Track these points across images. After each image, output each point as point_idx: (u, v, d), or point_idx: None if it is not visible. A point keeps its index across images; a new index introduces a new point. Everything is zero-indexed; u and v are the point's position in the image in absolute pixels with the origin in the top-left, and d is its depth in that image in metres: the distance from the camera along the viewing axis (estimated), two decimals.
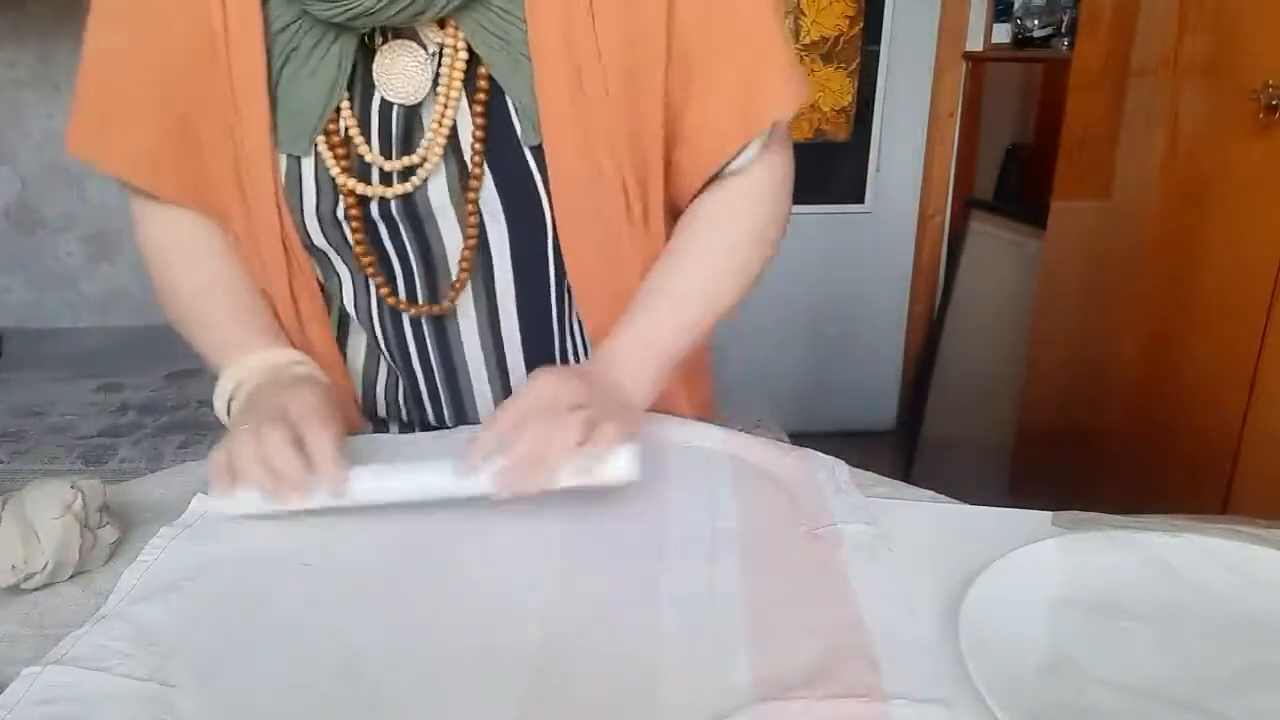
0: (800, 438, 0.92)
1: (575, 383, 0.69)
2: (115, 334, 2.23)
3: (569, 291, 0.83)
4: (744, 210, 0.80)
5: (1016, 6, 2.36)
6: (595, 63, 0.71)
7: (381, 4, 0.66)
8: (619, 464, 0.64)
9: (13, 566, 0.59)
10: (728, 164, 0.78)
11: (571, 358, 0.86)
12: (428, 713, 0.50)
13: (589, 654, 0.54)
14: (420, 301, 0.81)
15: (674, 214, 0.82)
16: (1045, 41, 2.27)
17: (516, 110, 0.73)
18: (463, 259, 0.78)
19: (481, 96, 0.72)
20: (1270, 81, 1.21)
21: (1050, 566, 0.60)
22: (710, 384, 0.97)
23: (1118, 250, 1.60)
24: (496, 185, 0.75)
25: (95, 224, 2.30)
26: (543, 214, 0.77)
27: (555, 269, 0.81)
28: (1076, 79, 1.72)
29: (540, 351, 0.85)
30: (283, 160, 0.74)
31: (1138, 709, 0.49)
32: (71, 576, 0.61)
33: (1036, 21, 2.29)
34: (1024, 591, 0.57)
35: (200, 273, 0.81)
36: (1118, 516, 0.66)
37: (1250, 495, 1.27)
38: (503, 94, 0.72)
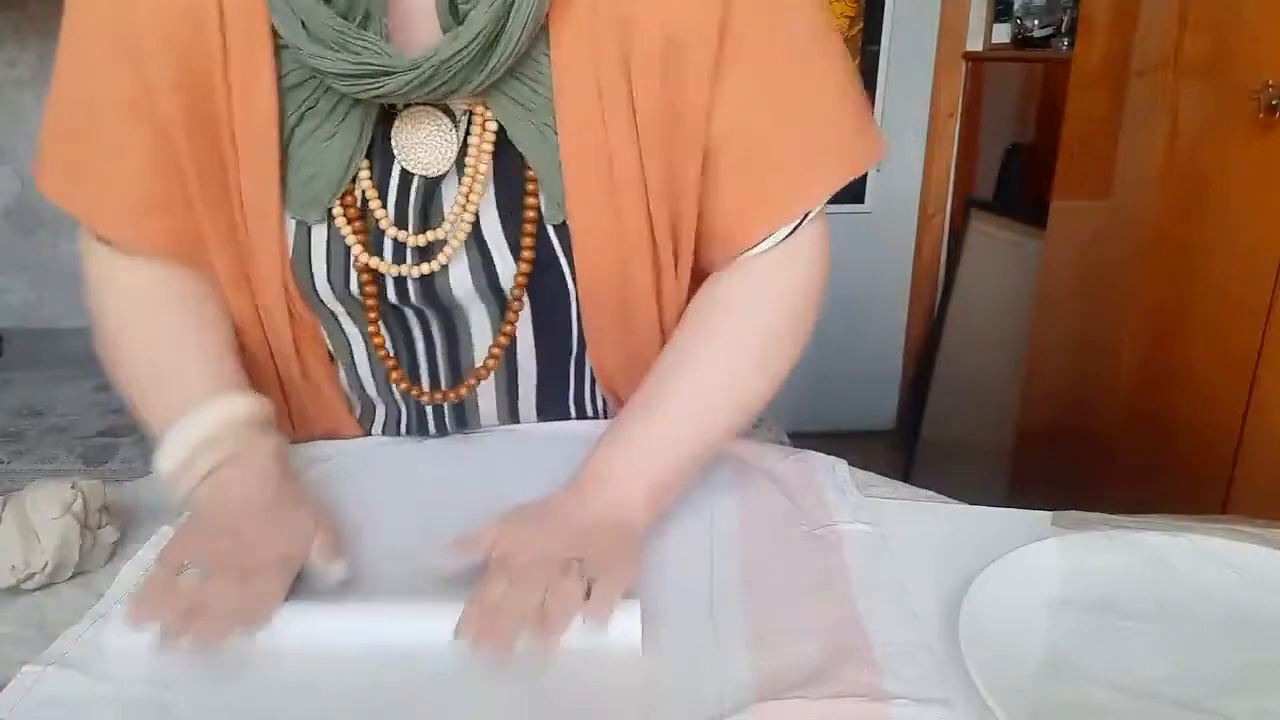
0: (800, 438, 0.92)
1: (563, 530, 0.60)
2: None
3: (586, 366, 0.79)
4: (778, 290, 0.72)
5: (1016, 6, 2.36)
6: (628, 136, 0.65)
7: (410, 87, 0.60)
8: (621, 630, 0.54)
9: (13, 566, 0.59)
10: (750, 248, 0.71)
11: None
12: (427, 712, 0.50)
13: (589, 653, 0.54)
14: (432, 386, 0.76)
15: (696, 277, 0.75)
16: (1045, 41, 2.27)
17: (541, 185, 0.67)
18: (496, 345, 0.73)
19: (532, 184, 0.66)
20: (1270, 81, 1.21)
21: (1050, 566, 0.60)
22: None
23: (1118, 250, 1.60)
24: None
25: None
26: (567, 292, 0.72)
27: (577, 347, 0.77)
28: (1076, 79, 1.72)
29: (557, 412, 0.82)
30: (290, 224, 0.69)
31: (1137, 708, 0.49)
32: (71, 577, 0.61)
33: (1036, 21, 2.29)
34: (1024, 591, 0.57)
35: (160, 323, 0.71)
36: (1118, 516, 0.66)
37: (1250, 495, 1.27)
38: (526, 173, 0.67)
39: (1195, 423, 1.38)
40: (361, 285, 0.70)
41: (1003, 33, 2.43)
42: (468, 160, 0.66)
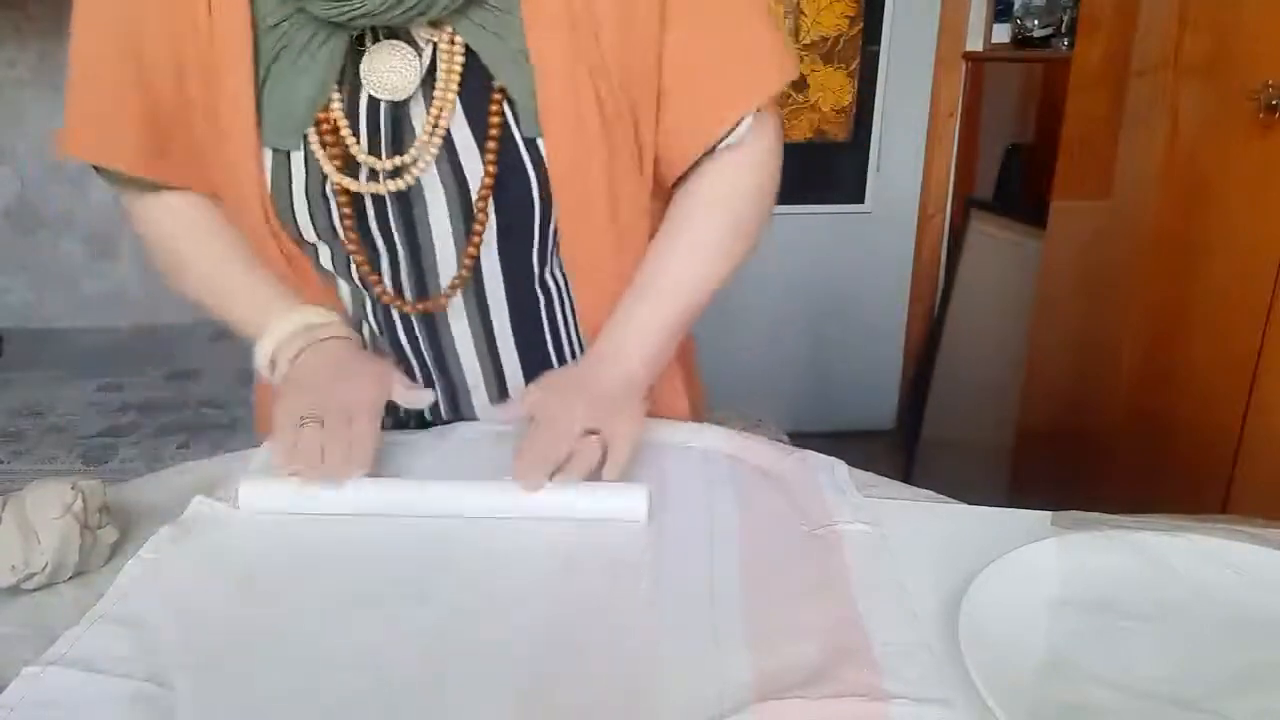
0: (800, 438, 0.92)
1: (582, 401, 0.73)
2: (115, 334, 2.23)
3: (557, 282, 0.83)
4: (738, 189, 0.82)
5: (1016, 6, 2.36)
6: (595, 59, 0.72)
7: (385, 5, 0.67)
8: (631, 504, 0.68)
9: (13, 567, 0.59)
10: (721, 140, 0.79)
11: (567, 350, 0.87)
12: (427, 712, 0.50)
13: (588, 653, 0.54)
14: (411, 298, 0.81)
15: (663, 187, 0.83)
16: (1045, 41, 2.27)
17: (512, 105, 0.73)
18: (466, 256, 0.78)
19: (497, 97, 0.73)
20: (1270, 81, 1.21)
21: (1050, 566, 0.60)
22: (699, 384, 0.98)
23: (1118, 250, 1.60)
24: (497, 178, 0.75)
25: (95, 224, 2.30)
26: (532, 205, 0.77)
27: (539, 260, 0.81)
28: (1076, 79, 1.72)
29: (533, 343, 0.85)
30: (269, 156, 0.75)
31: (1137, 709, 0.49)
32: (71, 577, 0.61)
33: (1036, 21, 2.29)
34: (1024, 591, 0.57)
35: (210, 248, 0.83)
36: (1118, 516, 0.66)
37: (1250, 495, 1.27)
38: (491, 91, 0.73)
39: (1195, 423, 1.38)
40: (339, 205, 0.76)
41: (1003, 33, 2.43)
42: (436, 84, 0.72)
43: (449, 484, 0.70)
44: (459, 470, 0.76)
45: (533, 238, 0.79)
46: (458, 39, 0.72)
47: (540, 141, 0.74)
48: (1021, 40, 2.34)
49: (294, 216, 0.77)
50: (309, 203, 0.76)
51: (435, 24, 0.71)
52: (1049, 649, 0.53)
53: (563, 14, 0.71)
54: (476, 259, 0.79)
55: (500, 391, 0.86)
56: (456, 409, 0.88)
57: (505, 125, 0.74)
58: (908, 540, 0.65)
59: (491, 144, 0.74)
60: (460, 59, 0.72)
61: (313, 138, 0.73)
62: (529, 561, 0.63)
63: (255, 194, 0.75)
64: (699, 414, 0.94)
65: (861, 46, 2.50)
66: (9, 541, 0.59)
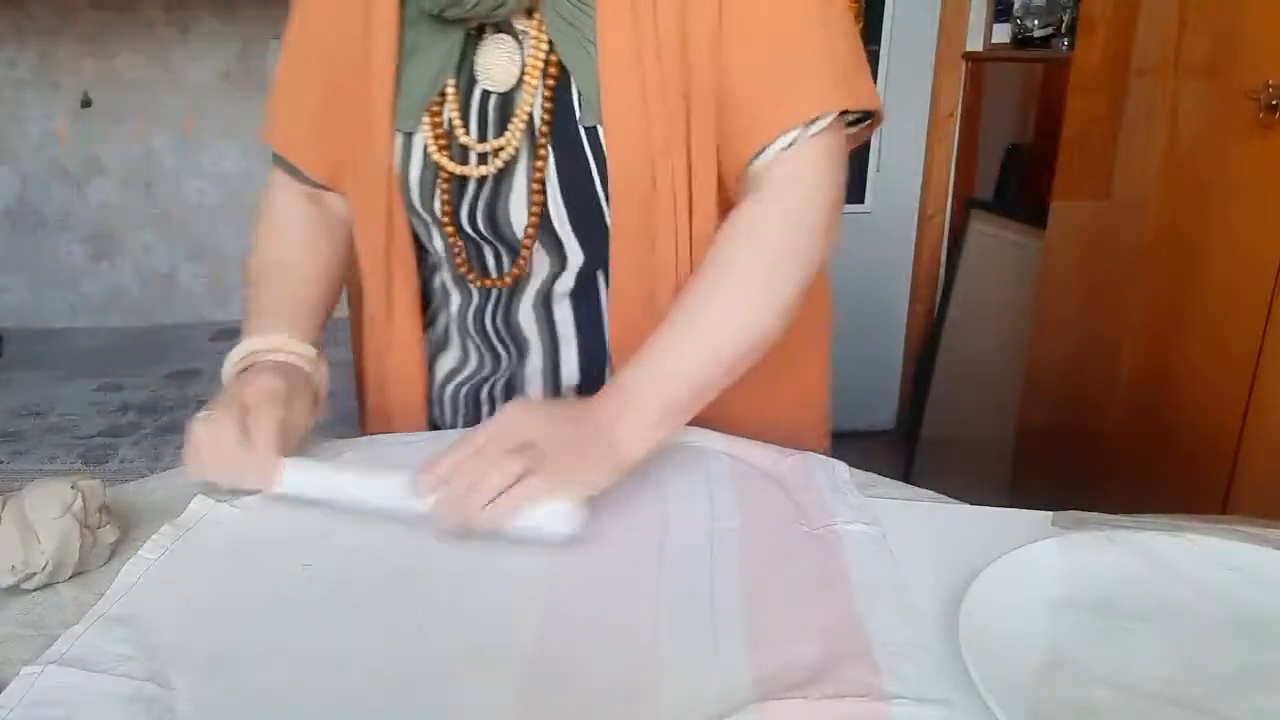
0: None
1: (537, 420, 0.68)
2: (115, 334, 2.23)
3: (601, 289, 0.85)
4: (774, 219, 0.76)
5: (1016, 6, 2.36)
6: (656, 53, 0.74)
7: (472, 2, 0.73)
8: (555, 517, 0.62)
9: (13, 567, 0.59)
10: (758, 155, 0.76)
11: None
12: (427, 712, 0.50)
13: (589, 653, 0.54)
14: (494, 276, 0.85)
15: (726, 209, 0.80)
16: (1045, 41, 2.27)
17: (579, 93, 0.77)
18: (526, 235, 0.81)
19: (550, 82, 0.77)
20: (1270, 81, 1.21)
21: (1050, 566, 0.60)
22: (825, 402, 0.98)
23: (1118, 250, 1.60)
24: (556, 164, 0.78)
25: (95, 224, 2.30)
26: (594, 194, 0.79)
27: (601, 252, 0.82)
28: (1076, 79, 1.72)
29: (592, 338, 0.86)
30: (399, 137, 0.81)
31: (1137, 708, 0.49)
32: (71, 577, 0.61)
33: (1036, 21, 2.29)
34: (1024, 591, 0.57)
35: (273, 251, 0.89)
36: (1118, 516, 0.66)
37: (1250, 495, 1.27)
38: (569, 78, 0.77)
39: (1195, 423, 1.38)
40: (440, 184, 0.81)
41: (1003, 33, 2.43)
42: (525, 74, 0.78)
43: (374, 475, 0.69)
44: None
45: (598, 228, 0.81)
46: (544, 29, 0.76)
47: (600, 130, 0.76)
48: (1021, 40, 2.34)
49: (409, 191, 0.83)
50: (421, 180, 0.82)
51: (530, 14, 0.77)
52: (1049, 649, 0.53)
53: (627, 3, 0.74)
54: (537, 233, 0.81)
55: (555, 387, 0.88)
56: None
57: (559, 112, 0.77)
58: (908, 540, 0.65)
59: (544, 128, 0.77)
60: (544, 48, 0.77)
61: (426, 124, 0.80)
62: (528, 561, 0.63)
63: (384, 173, 0.82)
64: (821, 431, 0.96)
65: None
66: (9, 541, 0.59)
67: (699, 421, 0.76)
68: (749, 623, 0.56)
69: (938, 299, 2.66)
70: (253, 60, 2.18)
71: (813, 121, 0.75)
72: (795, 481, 0.73)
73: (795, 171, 0.76)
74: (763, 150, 0.76)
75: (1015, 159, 2.31)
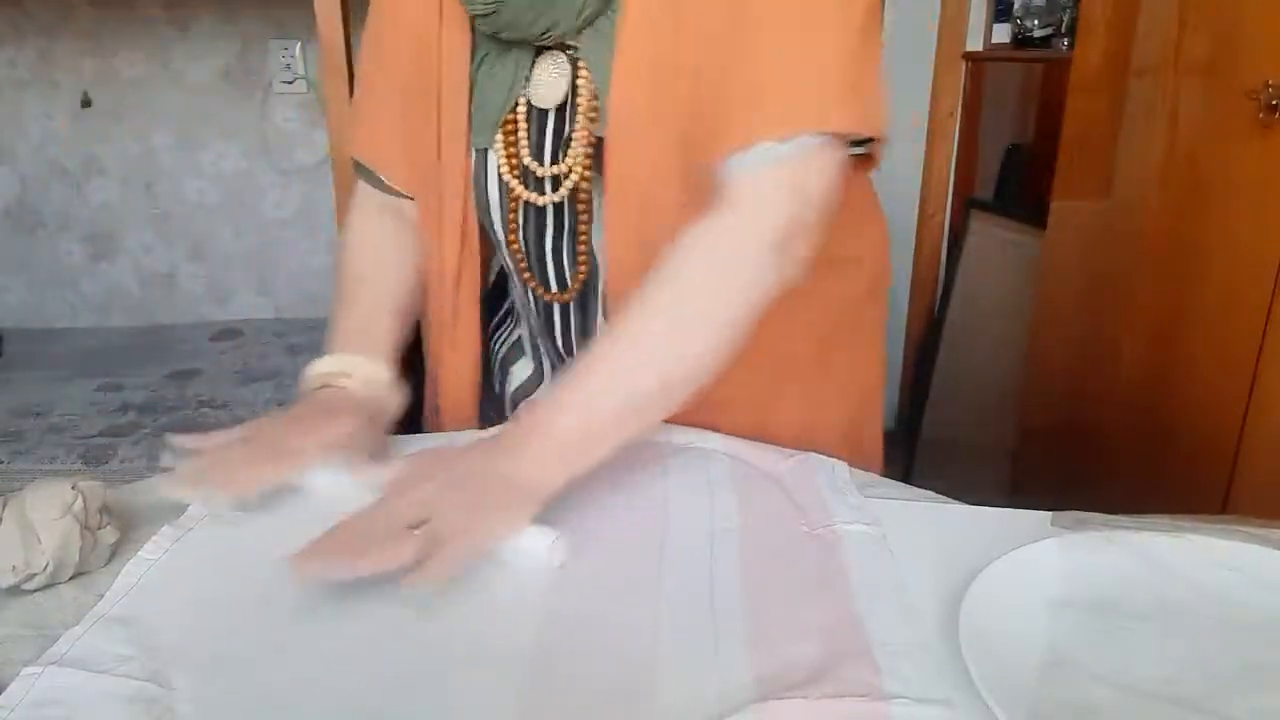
0: None
1: (446, 481, 0.64)
2: (115, 334, 2.23)
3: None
4: (730, 237, 0.71)
5: (1016, 6, 2.36)
6: (671, 66, 0.73)
7: (519, 21, 0.73)
8: (531, 555, 0.62)
9: (13, 567, 0.59)
10: (736, 160, 0.71)
11: None
12: (427, 712, 0.50)
13: (589, 654, 0.54)
14: (556, 289, 0.85)
15: None
16: (1045, 41, 2.27)
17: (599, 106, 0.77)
18: (579, 253, 0.82)
19: (595, 101, 0.77)
20: (1270, 81, 1.21)
21: (1050, 566, 0.60)
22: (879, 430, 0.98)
23: (1118, 250, 1.60)
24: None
25: (95, 224, 2.30)
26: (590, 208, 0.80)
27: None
28: (1076, 79, 1.72)
29: None
30: (473, 154, 0.82)
31: (1137, 708, 0.49)
32: (72, 577, 0.61)
33: (1036, 21, 2.29)
34: (1024, 591, 0.57)
35: (358, 266, 0.90)
36: (1118, 516, 0.66)
37: (1250, 495, 1.27)
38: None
39: (1195, 423, 1.38)
40: (507, 208, 0.83)
41: (1003, 33, 2.43)
42: (579, 95, 0.77)
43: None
44: None
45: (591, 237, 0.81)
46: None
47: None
48: (1021, 40, 2.34)
49: (487, 204, 0.84)
50: (499, 196, 0.83)
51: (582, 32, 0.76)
52: (1049, 649, 0.53)
53: (644, 15, 0.73)
54: (588, 251, 0.81)
55: None
56: None
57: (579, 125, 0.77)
58: (908, 540, 0.65)
59: (569, 146, 0.78)
60: (587, 69, 0.76)
61: (498, 140, 0.81)
62: (528, 560, 0.63)
63: (460, 189, 0.83)
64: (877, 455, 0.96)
65: None
66: (9, 542, 0.59)
67: (711, 425, 0.78)
68: (749, 622, 0.56)
69: (938, 299, 2.66)
70: (253, 60, 2.18)
71: (789, 138, 0.69)
72: (795, 482, 0.73)
73: (759, 189, 0.70)
74: (738, 157, 0.70)
75: (1015, 159, 2.31)
